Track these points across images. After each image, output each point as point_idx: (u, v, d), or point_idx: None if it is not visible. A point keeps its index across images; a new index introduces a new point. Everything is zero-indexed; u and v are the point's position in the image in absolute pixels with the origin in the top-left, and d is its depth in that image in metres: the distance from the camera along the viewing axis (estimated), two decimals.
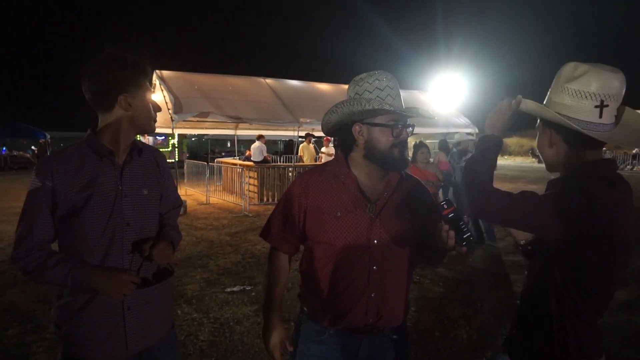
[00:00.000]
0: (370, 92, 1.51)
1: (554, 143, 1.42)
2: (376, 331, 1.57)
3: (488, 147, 1.41)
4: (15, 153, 21.90)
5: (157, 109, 1.64)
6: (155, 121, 1.64)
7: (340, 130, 1.60)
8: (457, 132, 8.74)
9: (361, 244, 1.52)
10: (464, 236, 1.32)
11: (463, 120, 14.09)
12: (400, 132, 1.54)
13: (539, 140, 1.48)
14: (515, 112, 1.43)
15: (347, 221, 1.53)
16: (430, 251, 1.58)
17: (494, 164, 1.42)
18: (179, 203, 1.82)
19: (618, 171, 1.39)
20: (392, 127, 1.52)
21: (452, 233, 1.32)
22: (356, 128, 1.54)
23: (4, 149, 22.40)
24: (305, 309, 1.66)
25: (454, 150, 7.69)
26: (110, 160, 1.54)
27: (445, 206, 1.34)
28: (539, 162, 1.81)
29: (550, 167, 1.48)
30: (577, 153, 1.38)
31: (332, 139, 1.76)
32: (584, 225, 1.23)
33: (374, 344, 1.58)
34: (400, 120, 1.54)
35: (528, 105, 1.41)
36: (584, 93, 1.31)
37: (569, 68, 1.35)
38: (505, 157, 32.99)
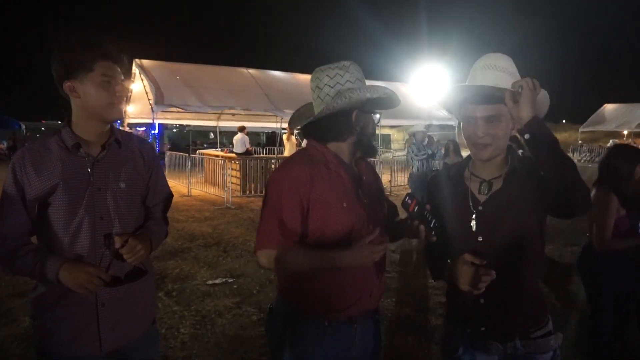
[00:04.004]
0: (353, 83, 1.55)
1: (516, 128, 1.47)
2: (368, 315, 1.59)
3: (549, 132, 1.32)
4: None
5: (122, 93, 1.50)
6: (119, 106, 1.51)
7: (334, 118, 1.52)
8: (415, 124, 8.69)
9: (364, 232, 1.51)
10: (432, 225, 1.37)
11: (444, 113, 14.22)
12: (378, 119, 1.62)
13: (504, 127, 1.45)
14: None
15: (351, 211, 1.51)
16: (397, 237, 1.67)
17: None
18: (170, 196, 1.75)
19: (594, 164, 1.50)
20: (375, 114, 1.59)
21: (422, 227, 1.37)
22: (354, 116, 1.54)
23: None
24: (297, 306, 1.55)
25: (413, 141, 7.81)
26: (79, 152, 1.48)
27: (409, 201, 1.37)
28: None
29: (497, 152, 1.48)
30: None
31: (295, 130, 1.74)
32: None
33: (364, 328, 1.59)
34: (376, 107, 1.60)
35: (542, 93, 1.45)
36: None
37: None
38: None
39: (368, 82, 1.60)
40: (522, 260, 1.47)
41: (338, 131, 1.55)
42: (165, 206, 1.74)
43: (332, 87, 1.53)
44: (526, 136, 1.30)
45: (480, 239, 1.48)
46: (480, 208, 1.49)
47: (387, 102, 1.60)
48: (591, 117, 25.39)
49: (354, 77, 1.55)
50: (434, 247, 1.60)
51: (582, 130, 26.14)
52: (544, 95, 1.49)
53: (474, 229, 1.50)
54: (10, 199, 1.44)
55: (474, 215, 1.49)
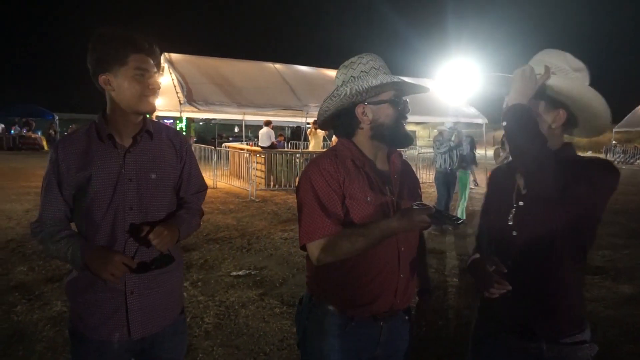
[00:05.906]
0: (367, 73, 1.52)
1: (557, 124, 1.44)
2: (395, 313, 1.58)
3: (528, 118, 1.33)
4: (24, 133, 21.97)
5: (155, 86, 1.52)
6: (150, 99, 1.52)
7: (340, 117, 1.58)
8: (444, 122, 8.73)
9: None
10: (454, 219, 1.37)
11: (472, 110, 13.95)
12: (405, 106, 1.56)
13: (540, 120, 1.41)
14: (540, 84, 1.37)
15: (376, 205, 1.50)
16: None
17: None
18: (204, 187, 1.77)
19: (628, 165, 1.44)
20: (397, 102, 1.54)
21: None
22: (359, 109, 1.52)
23: (13, 128, 22.43)
24: (323, 302, 1.56)
25: (439, 138, 7.92)
26: (112, 143, 1.52)
27: (417, 207, 1.38)
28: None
29: None
30: (562, 135, 1.48)
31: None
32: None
33: (392, 328, 1.58)
34: (401, 95, 1.56)
35: (558, 80, 1.38)
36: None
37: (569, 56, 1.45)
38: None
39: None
40: (554, 259, 1.44)
41: (345, 129, 1.58)
42: (201, 197, 1.75)
43: (338, 87, 1.55)
44: (503, 123, 1.33)
45: (514, 233, 1.48)
46: (520, 203, 1.50)
47: (408, 88, 1.56)
48: (626, 117, 24.45)
49: (358, 71, 1.52)
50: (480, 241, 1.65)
51: (616, 130, 25.20)
52: (599, 105, 1.41)
53: (510, 223, 1.50)
54: (51, 186, 1.51)
55: (513, 210, 1.51)
